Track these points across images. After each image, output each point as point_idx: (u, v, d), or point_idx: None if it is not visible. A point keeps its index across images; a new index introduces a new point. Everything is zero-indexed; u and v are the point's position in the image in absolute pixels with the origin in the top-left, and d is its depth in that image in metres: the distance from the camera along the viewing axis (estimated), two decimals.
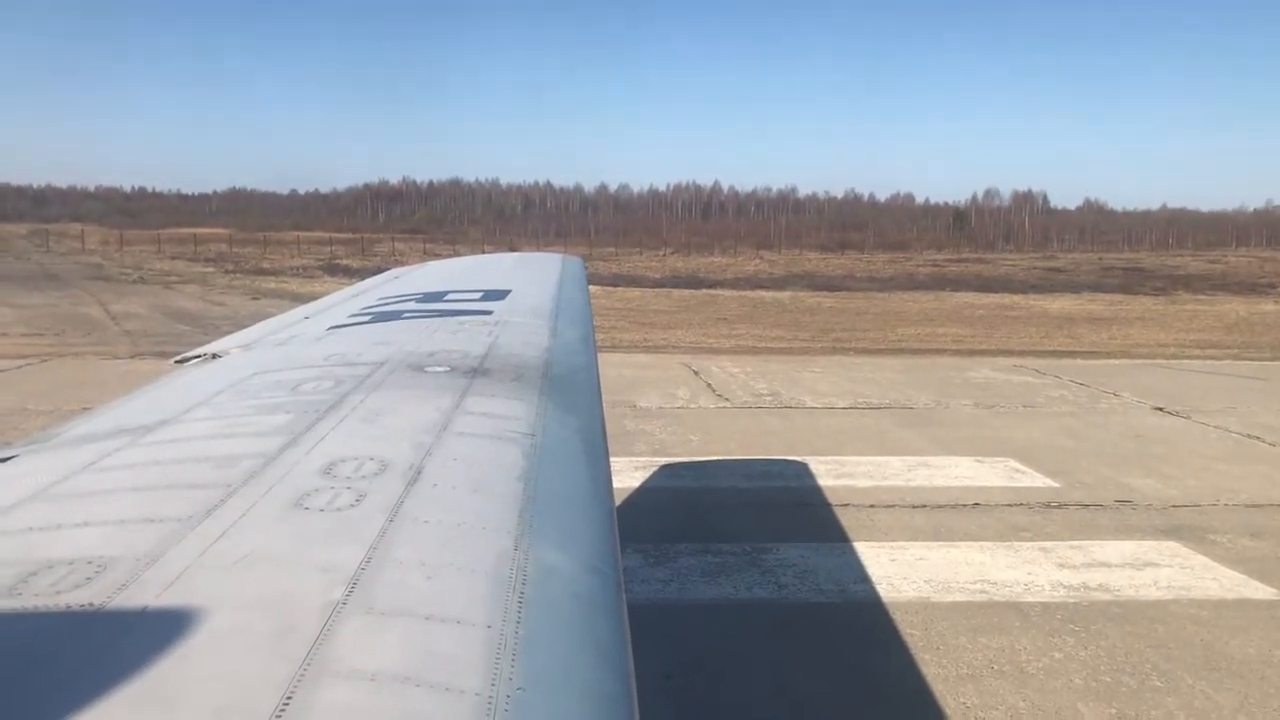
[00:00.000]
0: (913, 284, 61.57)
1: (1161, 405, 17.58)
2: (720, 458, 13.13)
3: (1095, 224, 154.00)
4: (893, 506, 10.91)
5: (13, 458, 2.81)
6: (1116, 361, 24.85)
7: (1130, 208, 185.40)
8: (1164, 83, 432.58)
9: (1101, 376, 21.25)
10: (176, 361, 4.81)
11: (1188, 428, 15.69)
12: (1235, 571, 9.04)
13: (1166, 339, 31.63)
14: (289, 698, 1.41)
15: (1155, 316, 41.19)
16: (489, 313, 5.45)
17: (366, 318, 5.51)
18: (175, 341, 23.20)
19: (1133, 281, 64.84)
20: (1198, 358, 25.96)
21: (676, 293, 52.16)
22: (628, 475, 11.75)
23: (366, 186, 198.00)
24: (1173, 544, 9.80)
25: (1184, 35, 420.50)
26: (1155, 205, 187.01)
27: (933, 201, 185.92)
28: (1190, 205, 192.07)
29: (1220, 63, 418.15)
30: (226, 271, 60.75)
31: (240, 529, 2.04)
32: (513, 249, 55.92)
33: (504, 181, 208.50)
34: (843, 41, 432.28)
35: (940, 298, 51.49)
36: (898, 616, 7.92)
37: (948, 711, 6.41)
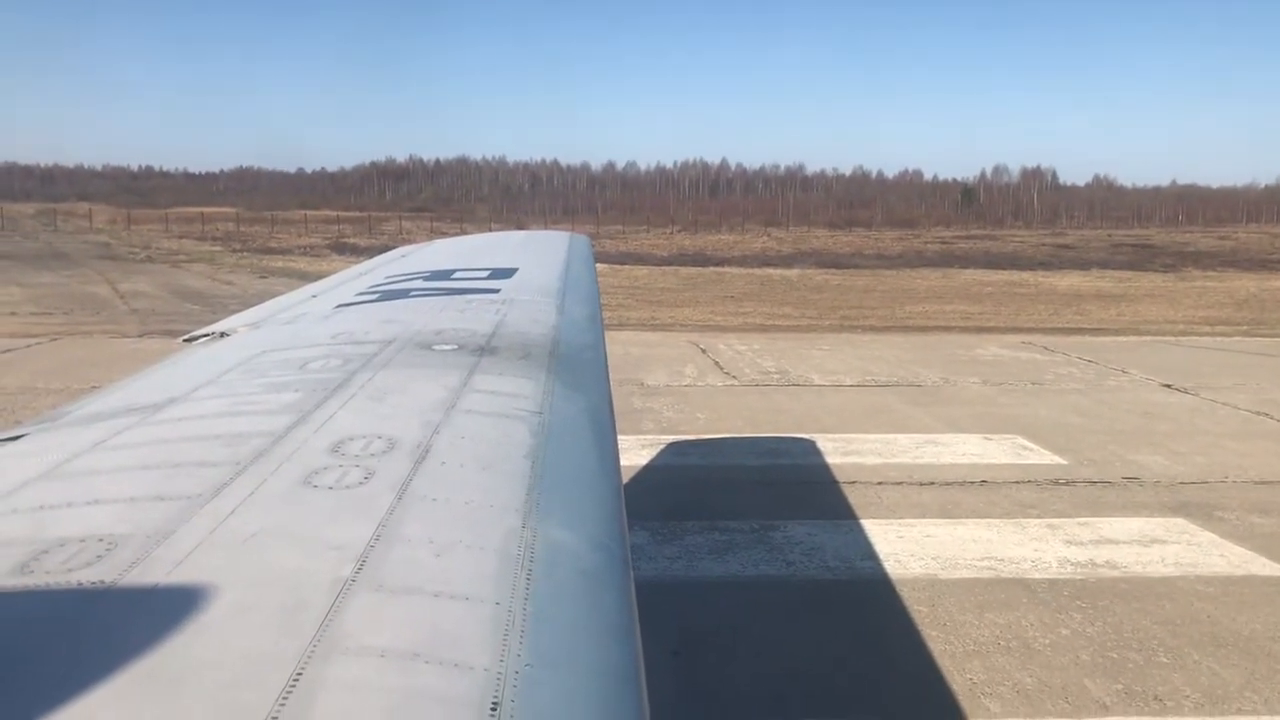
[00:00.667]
0: (921, 261, 61.37)
1: (1170, 382, 17.54)
2: (728, 435, 13.14)
3: (1104, 200, 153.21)
4: (900, 484, 10.92)
5: (23, 436, 2.82)
6: (1125, 338, 24.80)
7: (1140, 184, 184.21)
8: (1174, 58, 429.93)
9: (1110, 353, 21.21)
10: (185, 340, 4.82)
11: (1196, 404, 15.65)
12: (1243, 548, 9.04)
13: (1175, 316, 31.53)
14: (299, 674, 1.42)
15: (1164, 293, 41.05)
16: (496, 291, 5.45)
17: (374, 296, 5.51)
18: (183, 320, 23.25)
19: (1142, 258, 64.54)
20: (1207, 334, 25.88)
21: (684, 270, 52.07)
22: (635, 453, 11.77)
23: (373, 165, 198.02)
24: (1180, 521, 9.80)
25: (1194, 8, 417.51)
26: (1165, 181, 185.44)
27: (941, 178, 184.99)
28: (1201, 181, 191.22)
29: (1231, 37, 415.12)
30: (234, 250, 60.74)
31: (249, 507, 2.04)
32: (520, 227, 55.83)
33: (511, 159, 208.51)
34: (851, 17, 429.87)
35: (948, 275, 51.34)
36: (905, 593, 7.94)
37: (955, 687, 6.43)
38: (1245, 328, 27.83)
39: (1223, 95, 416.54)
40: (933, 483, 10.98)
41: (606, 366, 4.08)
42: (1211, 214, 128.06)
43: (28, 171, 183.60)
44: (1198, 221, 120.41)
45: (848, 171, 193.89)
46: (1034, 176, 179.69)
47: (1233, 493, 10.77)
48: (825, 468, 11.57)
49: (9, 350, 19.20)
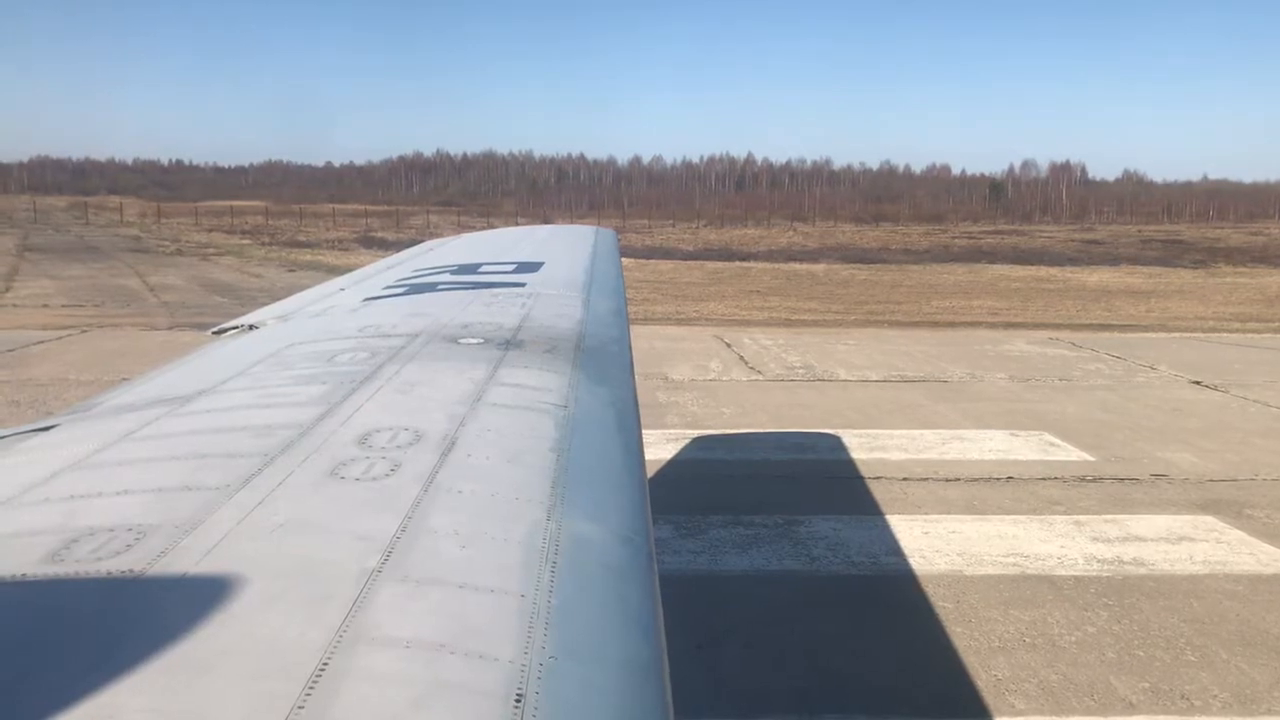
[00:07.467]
0: (948, 256, 60.97)
1: (1199, 379, 17.36)
2: (752, 430, 13.12)
3: (1134, 195, 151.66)
4: (926, 480, 10.87)
5: (54, 427, 2.85)
6: (1154, 335, 24.54)
7: (1170, 179, 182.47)
8: (1205, 51, 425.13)
9: (1139, 350, 21.01)
10: (214, 333, 4.86)
11: (1226, 402, 15.49)
12: (1272, 546, 8.94)
13: (1205, 312, 31.18)
14: (325, 663, 1.43)
15: (1194, 289, 40.60)
16: (522, 285, 5.47)
17: (401, 290, 5.53)
18: (212, 313, 23.41)
19: (1172, 254, 63.81)
20: (1237, 331, 25.59)
21: (709, 265, 51.94)
22: (660, 447, 11.76)
23: (401, 159, 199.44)
24: (1209, 518, 9.71)
25: (1225, 1, 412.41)
26: (1196, 176, 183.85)
27: (969, 173, 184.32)
28: (1232, 176, 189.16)
29: (1263, 30, 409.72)
30: (263, 244, 61.04)
31: (277, 497, 2.06)
32: (546, 221, 55.89)
33: (537, 154, 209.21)
34: (878, 11, 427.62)
35: (976, 270, 50.98)
36: (930, 589, 7.91)
37: (979, 684, 6.40)
38: (1276, 325, 27.49)
39: (1255, 89, 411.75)
40: (959, 479, 10.93)
41: (631, 360, 4.08)
42: (1243, 209, 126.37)
43: (60, 165, 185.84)
44: (1229, 217, 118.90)
45: (875, 166, 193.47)
46: (1063, 171, 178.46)
47: (1263, 491, 10.66)
48: (850, 463, 11.54)
49: (41, 341, 19.40)
